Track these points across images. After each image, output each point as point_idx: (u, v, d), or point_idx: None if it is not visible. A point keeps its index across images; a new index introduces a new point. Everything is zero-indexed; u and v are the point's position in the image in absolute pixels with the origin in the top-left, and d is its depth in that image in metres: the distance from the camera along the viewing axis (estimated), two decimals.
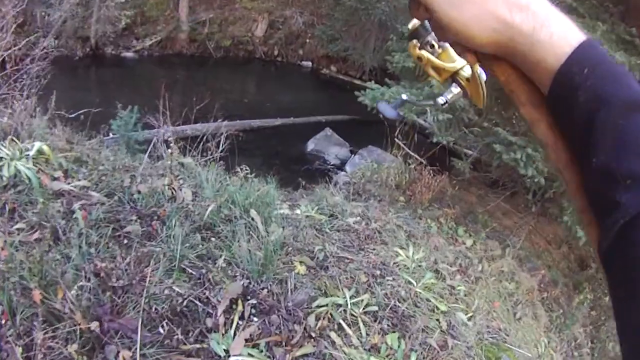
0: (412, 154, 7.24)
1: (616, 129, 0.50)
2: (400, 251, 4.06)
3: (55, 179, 3.43)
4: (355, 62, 13.06)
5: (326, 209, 4.52)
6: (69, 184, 3.45)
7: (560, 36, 0.55)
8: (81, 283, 2.16)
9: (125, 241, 2.74)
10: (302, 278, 3.11)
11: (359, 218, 4.52)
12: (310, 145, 9.34)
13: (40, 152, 3.54)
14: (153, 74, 12.90)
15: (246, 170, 4.57)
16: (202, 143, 5.18)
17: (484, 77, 0.66)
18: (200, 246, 3.16)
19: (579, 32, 0.56)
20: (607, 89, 0.52)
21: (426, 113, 5.50)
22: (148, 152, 4.45)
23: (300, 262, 3.23)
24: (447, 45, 0.67)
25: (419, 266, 4.02)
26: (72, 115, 5.28)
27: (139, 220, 2.97)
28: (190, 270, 2.90)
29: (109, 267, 2.36)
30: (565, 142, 0.58)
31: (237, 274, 2.96)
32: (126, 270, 2.43)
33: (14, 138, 3.42)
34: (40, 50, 5.30)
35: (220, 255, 3.07)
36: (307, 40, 13.70)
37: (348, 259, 3.67)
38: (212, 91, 11.97)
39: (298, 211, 4.31)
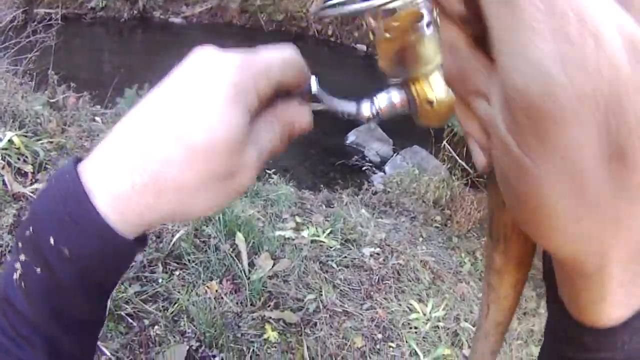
0: (462, 162, 6.36)
1: None
2: (417, 305, 3.24)
3: (23, 174, 2.93)
4: None
5: (340, 232, 3.76)
6: (35, 182, 2.91)
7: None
8: None
9: None
10: (272, 347, 2.38)
11: (378, 249, 3.74)
12: (351, 137, 8.48)
13: (11, 141, 3.02)
14: (201, 43, 12.23)
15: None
16: None
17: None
18: (159, 281, 2.49)
19: None
20: None
21: None
22: None
23: (278, 320, 2.50)
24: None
25: (435, 328, 3.18)
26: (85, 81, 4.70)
27: None
28: (130, 320, 2.23)
29: None
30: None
31: (189, 331, 2.27)
32: None
33: None
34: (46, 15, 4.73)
35: (177, 300, 2.39)
36: (364, 23, 12.76)
37: (346, 313, 2.91)
38: None
39: (305, 233, 3.58)
